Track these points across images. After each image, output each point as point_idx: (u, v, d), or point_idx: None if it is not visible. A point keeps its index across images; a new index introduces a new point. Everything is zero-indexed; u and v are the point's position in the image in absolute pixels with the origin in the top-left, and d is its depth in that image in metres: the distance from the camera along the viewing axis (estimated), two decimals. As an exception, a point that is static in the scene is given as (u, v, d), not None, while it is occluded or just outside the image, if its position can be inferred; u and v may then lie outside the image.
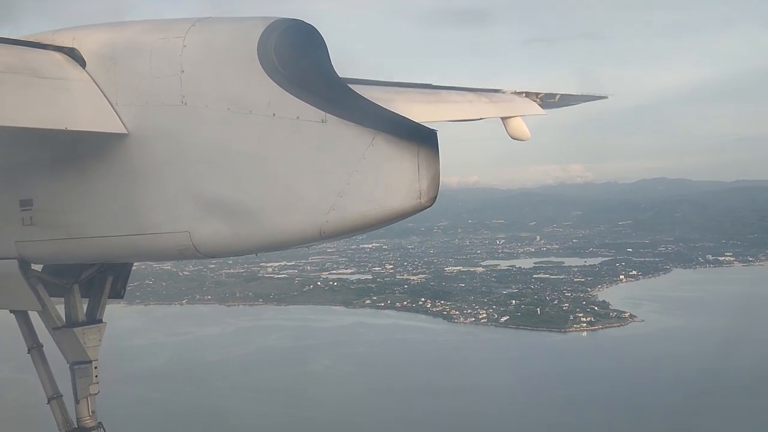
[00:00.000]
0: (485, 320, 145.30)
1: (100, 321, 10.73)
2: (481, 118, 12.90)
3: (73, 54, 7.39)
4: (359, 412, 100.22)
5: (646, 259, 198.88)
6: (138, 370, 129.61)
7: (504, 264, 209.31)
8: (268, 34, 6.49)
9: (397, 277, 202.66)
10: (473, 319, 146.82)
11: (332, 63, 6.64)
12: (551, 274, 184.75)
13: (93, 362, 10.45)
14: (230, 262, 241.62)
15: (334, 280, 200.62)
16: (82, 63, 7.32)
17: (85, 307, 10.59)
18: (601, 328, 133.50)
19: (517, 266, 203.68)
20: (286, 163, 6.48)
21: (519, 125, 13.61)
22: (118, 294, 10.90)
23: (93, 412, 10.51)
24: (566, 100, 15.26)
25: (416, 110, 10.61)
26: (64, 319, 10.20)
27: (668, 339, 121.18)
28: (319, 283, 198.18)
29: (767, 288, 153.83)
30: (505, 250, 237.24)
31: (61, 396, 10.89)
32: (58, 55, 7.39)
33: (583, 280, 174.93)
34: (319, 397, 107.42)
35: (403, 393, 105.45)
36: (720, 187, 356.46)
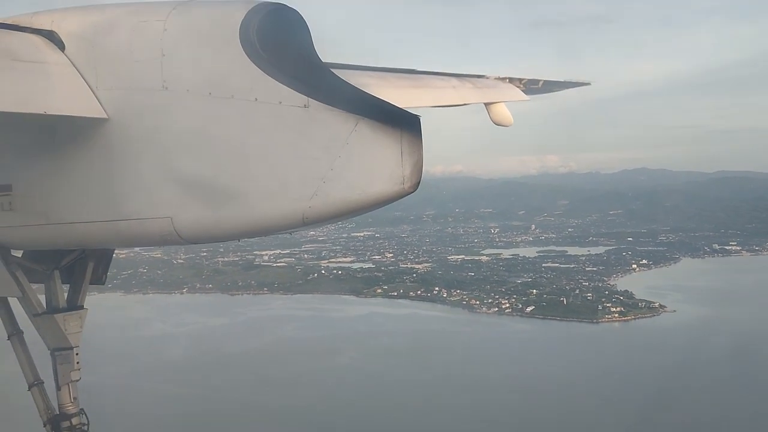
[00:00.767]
0: (509, 310, 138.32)
1: (82, 307, 10.41)
2: (464, 104, 12.34)
3: (51, 37, 6.96)
4: (427, 410, 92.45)
5: (650, 248, 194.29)
6: (155, 363, 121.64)
7: (506, 253, 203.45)
8: (250, 17, 6.08)
9: (401, 265, 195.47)
10: (496, 308, 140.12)
11: (315, 47, 6.17)
12: (560, 263, 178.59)
13: (74, 348, 10.12)
14: (221, 249, 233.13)
15: (337, 269, 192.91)
16: (60, 46, 6.88)
17: (66, 293, 10.25)
18: (634, 319, 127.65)
19: (520, 255, 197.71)
20: (269, 148, 6.12)
21: (502, 111, 12.90)
22: (99, 280, 10.61)
23: (75, 398, 10.18)
24: (549, 86, 14.60)
25: (399, 95, 9.79)
26: (45, 306, 10.02)
27: (709, 330, 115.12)
28: (323, 272, 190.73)
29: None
30: (502, 239, 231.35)
31: (42, 383, 10.62)
32: (36, 39, 6.97)
33: (594, 269, 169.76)
34: (366, 391, 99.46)
35: (466, 388, 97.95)
36: (702, 177, 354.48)
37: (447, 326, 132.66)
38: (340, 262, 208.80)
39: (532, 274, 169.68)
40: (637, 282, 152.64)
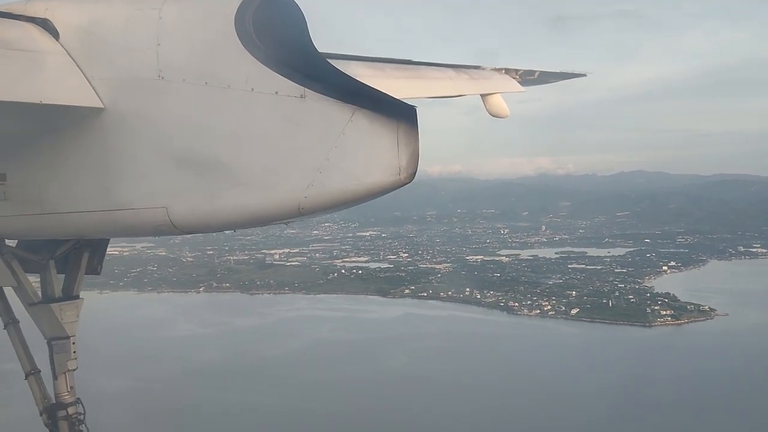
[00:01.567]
0: (552, 312, 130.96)
1: (77, 297, 10.23)
2: (461, 95, 12.10)
3: (46, 25, 6.72)
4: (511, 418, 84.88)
5: (671, 250, 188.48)
6: (194, 366, 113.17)
7: (524, 254, 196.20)
8: (245, 6, 5.91)
9: (420, 265, 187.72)
10: (538, 311, 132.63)
11: (311, 37, 5.97)
12: (585, 265, 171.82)
13: (71, 338, 9.98)
14: (226, 247, 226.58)
15: (355, 269, 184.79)
16: (55, 35, 6.64)
17: (61, 283, 10.16)
18: (688, 322, 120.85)
19: (539, 256, 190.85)
20: (265, 138, 5.97)
21: (498, 102, 12.58)
22: (94, 270, 10.32)
23: (71, 387, 10.10)
24: (545, 77, 14.09)
25: (396, 86, 9.79)
26: (41, 295, 9.99)
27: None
28: (342, 271, 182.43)
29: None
30: (514, 240, 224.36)
31: (39, 372, 10.51)
32: (30, 27, 6.73)
33: (624, 270, 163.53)
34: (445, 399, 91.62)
35: (552, 397, 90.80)
36: (700, 180, 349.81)
37: (493, 329, 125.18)
38: (355, 261, 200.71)
39: (560, 276, 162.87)
40: (672, 284, 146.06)
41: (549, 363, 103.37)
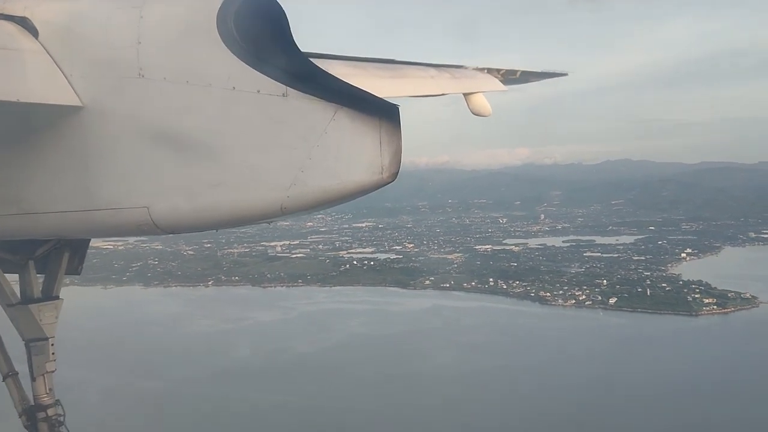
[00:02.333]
0: (589, 302, 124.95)
1: (57, 297, 10.07)
2: (443, 94, 11.76)
3: (24, 23, 6.52)
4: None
5: (679, 237, 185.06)
6: (228, 365, 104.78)
7: (531, 243, 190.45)
8: (227, 5, 5.77)
9: (431, 255, 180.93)
10: (573, 301, 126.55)
11: (293, 36, 5.84)
12: (601, 253, 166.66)
13: (50, 339, 9.78)
14: (222, 239, 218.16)
15: (366, 260, 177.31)
16: (34, 33, 6.43)
17: (41, 283, 10.08)
18: (734, 311, 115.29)
19: (548, 244, 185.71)
20: (247, 137, 5.83)
21: (481, 101, 12.24)
22: (75, 270, 10.17)
23: (50, 389, 9.95)
24: (527, 76, 13.91)
25: (378, 85, 9.49)
26: (19, 296, 9.85)
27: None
28: (355, 263, 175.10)
29: None
30: (516, 229, 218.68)
31: (17, 374, 10.34)
32: (8, 25, 6.56)
33: (643, 258, 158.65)
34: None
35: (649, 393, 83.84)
36: (686, 168, 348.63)
37: (535, 321, 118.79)
38: (361, 252, 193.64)
39: (578, 264, 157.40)
40: (698, 271, 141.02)
41: (626, 357, 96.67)
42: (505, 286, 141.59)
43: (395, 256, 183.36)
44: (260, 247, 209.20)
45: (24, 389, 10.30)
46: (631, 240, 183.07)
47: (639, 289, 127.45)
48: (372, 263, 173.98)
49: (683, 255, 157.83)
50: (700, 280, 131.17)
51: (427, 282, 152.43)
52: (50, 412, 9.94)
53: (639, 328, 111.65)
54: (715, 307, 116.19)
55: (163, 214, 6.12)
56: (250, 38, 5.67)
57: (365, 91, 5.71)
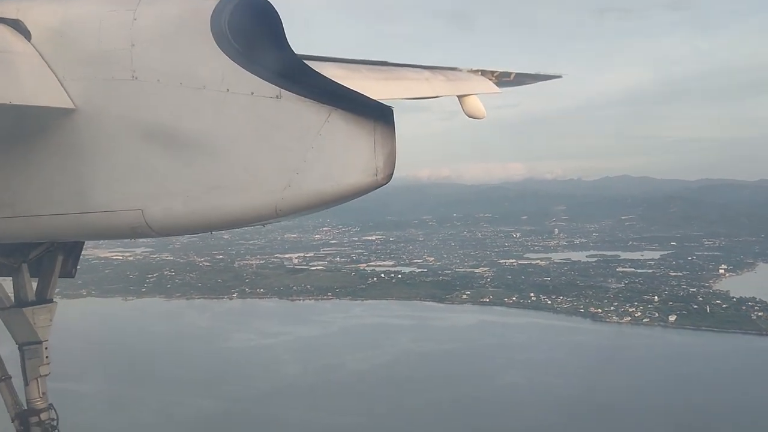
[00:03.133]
0: (646, 320, 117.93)
1: (51, 301, 9.86)
2: (437, 96, 11.59)
3: (17, 26, 6.42)
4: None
5: (708, 253, 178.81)
6: (280, 382, 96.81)
7: (555, 257, 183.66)
8: (221, 7, 5.67)
9: (456, 270, 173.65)
10: (629, 318, 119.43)
11: (287, 38, 5.78)
12: (635, 268, 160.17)
13: (43, 343, 9.62)
14: (232, 251, 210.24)
15: (393, 273, 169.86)
16: (27, 35, 6.33)
17: (35, 287, 9.91)
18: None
19: (572, 259, 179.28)
20: (241, 139, 5.74)
21: (475, 103, 12.04)
22: (68, 273, 10.00)
23: (44, 393, 9.69)
24: (521, 78, 13.57)
25: (372, 87, 9.42)
26: (13, 299, 9.67)
27: None
28: (382, 275, 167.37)
29: None
30: (532, 244, 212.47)
31: (10, 378, 10.07)
32: (1, 27, 6.43)
33: (680, 274, 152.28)
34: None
35: None
36: (687, 185, 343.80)
37: (594, 338, 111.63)
38: (382, 265, 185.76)
39: (613, 279, 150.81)
40: (745, 287, 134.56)
41: (729, 381, 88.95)
42: (549, 302, 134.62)
43: (420, 270, 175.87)
44: (275, 259, 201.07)
45: (17, 393, 9.76)
46: (657, 256, 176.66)
47: (695, 306, 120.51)
48: (400, 276, 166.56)
49: (721, 271, 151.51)
50: (754, 297, 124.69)
51: (464, 296, 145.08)
52: (43, 416, 9.44)
53: (718, 348, 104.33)
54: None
55: (157, 217, 5.91)
56: (244, 40, 5.51)
57: (359, 93, 5.53)
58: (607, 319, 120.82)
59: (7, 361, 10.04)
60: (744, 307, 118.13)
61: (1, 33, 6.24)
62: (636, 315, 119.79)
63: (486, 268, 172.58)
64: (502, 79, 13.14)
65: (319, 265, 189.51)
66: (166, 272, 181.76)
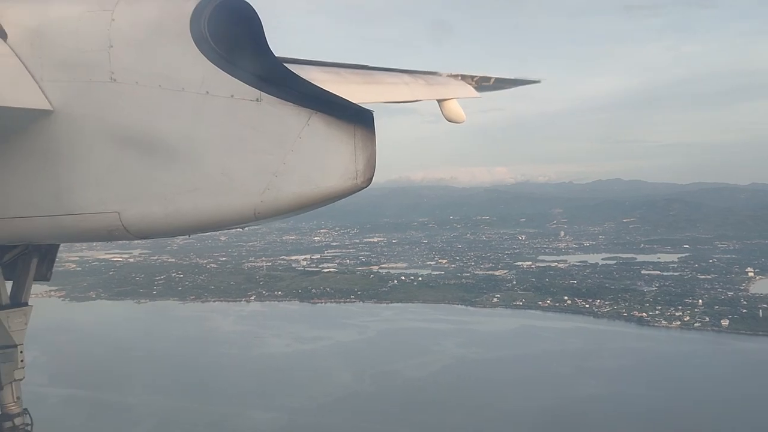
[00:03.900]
0: (697, 324, 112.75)
1: (26, 304, 9.42)
2: (416, 100, 11.41)
3: None
4: None
5: (723, 255, 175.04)
6: (334, 391, 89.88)
7: (571, 260, 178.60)
8: (201, 8, 5.56)
9: (476, 272, 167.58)
10: (678, 322, 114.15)
11: (267, 41, 5.70)
12: (660, 271, 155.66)
13: (18, 347, 9.13)
14: (234, 251, 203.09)
15: (413, 275, 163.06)
16: (3, 36, 6.18)
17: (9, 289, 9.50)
18: None
19: (589, 262, 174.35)
20: (220, 142, 5.63)
21: (455, 108, 11.97)
22: (44, 276, 9.55)
23: (18, 398, 9.26)
24: (500, 83, 13.51)
25: (352, 91, 9.25)
26: None
27: None
28: (402, 278, 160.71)
29: None
30: (541, 246, 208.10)
31: None
32: None
33: (708, 277, 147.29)
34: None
35: None
36: (680, 188, 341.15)
37: (650, 344, 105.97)
38: (394, 267, 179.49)
39: (641, 282, 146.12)
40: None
41: None
42: (586, 305, 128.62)
43: (437, 273, 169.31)
44: (282, 261, 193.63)
45: None
46: (674, 258, 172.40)
47: (744, 310, 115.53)
48: (420, 279, 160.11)
49: (750, 274, 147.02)
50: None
51: (495, 300, 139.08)
52: (17, 421, 9.10)
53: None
54: None
55: (134, 219, 5.80)
56: (224, 42, 5.41)
57: (340, 97, 5.48)
58: (655, 324, 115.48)
59: None
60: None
61: None
62: (685, 319, 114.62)
63: (505, 271, 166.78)
64: (482, 84, 12.77)
65: (330, 268, 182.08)
66: (173, 274, 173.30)
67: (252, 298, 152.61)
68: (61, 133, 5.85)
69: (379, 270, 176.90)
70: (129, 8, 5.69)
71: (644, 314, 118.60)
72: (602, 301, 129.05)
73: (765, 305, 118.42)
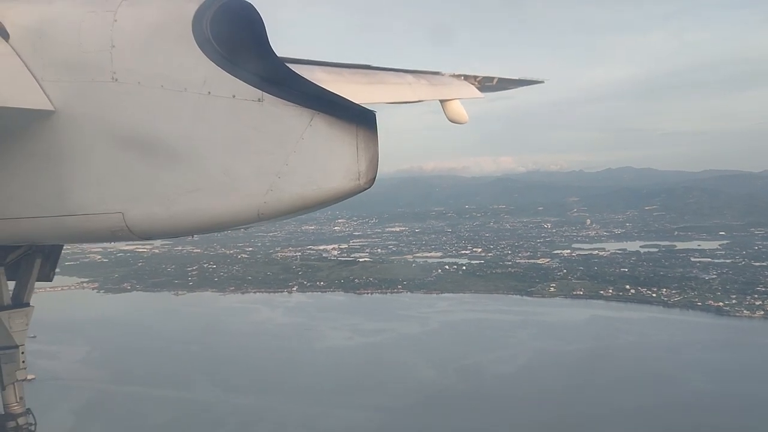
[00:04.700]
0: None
1: (27, 305, 9.20)
2: (419, 101, 11.09)
3: None
4: None
5: (764, 242, 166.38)
6: (427, 390, 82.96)
7: (609, 247, 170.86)
8: (203, 9, 5.47)
9: (517, 261, 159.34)
10: (762, 312, 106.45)
11: (270, 41, 5.57)
12: (710, 258, 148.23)
13: (20, 347, 8.97)
14: (257, 242, 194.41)
15: (458, 265, 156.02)
16: (4, 36, 6.06)
17: (11, 290, 9.30)
18: None
19: (628, 249, 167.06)
20: (222, 142, 5.53)
21: (457, 108, 11.62)
22: (47, 277, 9.31)
23: (21, 398, 9.02)
24: (504, 84, 13.11)
25: (355, 91, 9.04)
26: None
27: None
28: (446, 267, 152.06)
29: None
30: (571, 234, 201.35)
31: None
32: None
33: (764, 264, 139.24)
34: None
35: None
36: (693, 176, 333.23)
37: (747, 337, 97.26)
38: (431, 257, 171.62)
39: (696, 270, 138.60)
40: None
41: None
42: (653, 294, 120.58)
43: (477, 262, 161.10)
44: (311, 251, 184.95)
45: None
46: (714, 246, 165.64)
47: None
48: (465, 268, 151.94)
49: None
50: None
51: (552, 289, 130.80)
52: (21, 421, 8.88)
53: None
54: None
55: (137, 220, 5.71)
56: (226, 42, 5.31)
57: (342, 97, 5.38)
58: (735, 314, 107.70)
59: None
60: None
61: None
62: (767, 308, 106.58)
63: (547, 260, 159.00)
64: (485, 84, 12.30)
65: (364, 257, 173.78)
66: (205, 265, 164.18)
67: (294, 288, 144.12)
68: (63, 134, 5.66)
69: (415, 259, 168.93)
70: (131, 9, 5.51)
71: (720, 304, 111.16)
72: (668, 290, 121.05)
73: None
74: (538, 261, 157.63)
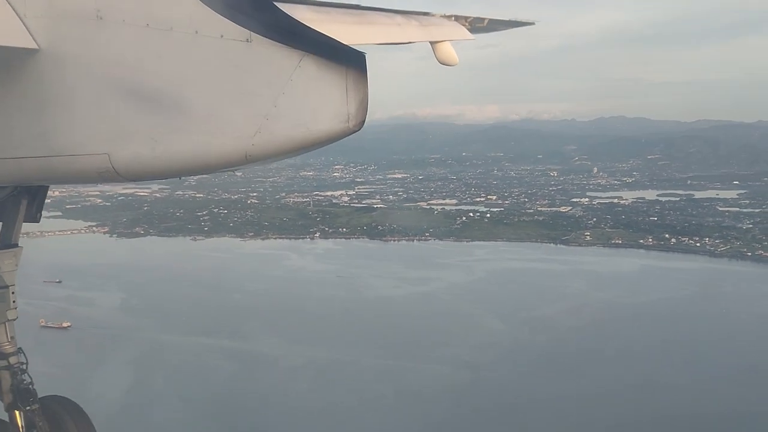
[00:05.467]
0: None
1: (16, 245, 8.64)
2: (409, 42, 9.51)
3: None
4: None
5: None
6: (504, 343, 75.47)
7: (626, 196, 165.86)
8: None
9: (539, 209, 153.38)
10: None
11: None
12: (739, 208, 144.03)
13: (10, 287, 8.48)
14: (259, 187, 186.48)
15: (480, 213, 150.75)
16: None
17: None
18: None
19: (646, 198, 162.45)
20: (209, 83, 5.26)
21: (448, 50, 9.72)
22: (33, 218, 8.68)
23: (12, 337, 8.54)
24: (494, 25, 11.26)
25: (343, 32, 7.69)
26: None
27: None
28: (470, 214, 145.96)
29: None
30: (581, 182, 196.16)
31: None
32: None
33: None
34: None
35: None
36: (685, 126, 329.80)
37: None
38: (446, 204, 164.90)
39: (728, 219, 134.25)
40: None
41: None
42: (697, 244, 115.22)
43: (497, 209, 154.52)
44: (319, 197, 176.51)
45: None
46: (733, 195, 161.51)
47: None
48: (489, 216, 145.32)
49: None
50: None
51: (588, 238, 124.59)
52: (12, 360, 8.39)
53: None
54: None
55: (124, 162, 5.48)
56: None
57: (332, 38, 5.10)
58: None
59: None
60: None
61: None
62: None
63: (568, 208, 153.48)
64: (476, 25, 10.47)
65: (378, 203, 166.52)
66: (215, 210, 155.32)
67: (317, 235, 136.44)
68: (48, 73, 5.44)
69: (430, 206, 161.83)
70: None
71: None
72: (711, 240, 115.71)
73: None
74: (560, 209, 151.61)
